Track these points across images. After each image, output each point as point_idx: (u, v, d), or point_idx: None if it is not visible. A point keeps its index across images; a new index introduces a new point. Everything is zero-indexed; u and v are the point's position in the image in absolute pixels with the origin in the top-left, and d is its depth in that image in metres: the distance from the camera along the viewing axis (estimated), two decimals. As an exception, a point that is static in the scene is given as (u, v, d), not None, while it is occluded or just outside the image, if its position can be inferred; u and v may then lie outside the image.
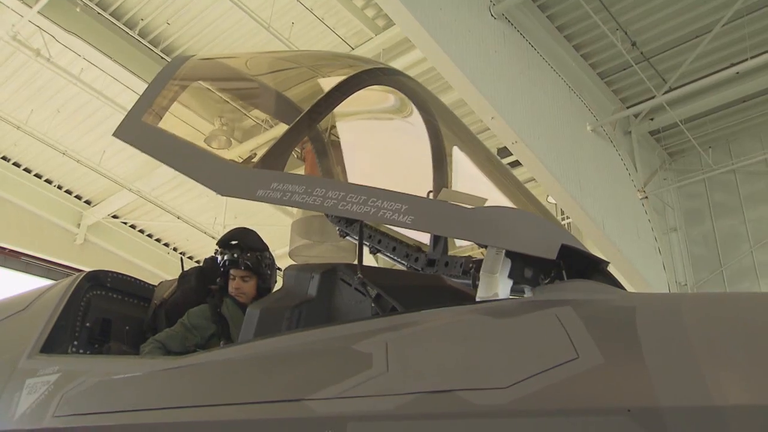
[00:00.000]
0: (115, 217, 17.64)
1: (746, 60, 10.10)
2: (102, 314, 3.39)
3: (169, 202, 16.76)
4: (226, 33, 12.30)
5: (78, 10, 11.50)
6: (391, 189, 2.15)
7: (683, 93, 11.07)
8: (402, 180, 2.80)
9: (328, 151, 3.51)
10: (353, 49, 12.04)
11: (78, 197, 17.16)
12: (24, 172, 16.22)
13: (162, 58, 12.70)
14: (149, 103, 3.04)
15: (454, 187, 3.12)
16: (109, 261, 16.59)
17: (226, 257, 3.64)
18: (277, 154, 2.68)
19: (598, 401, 1.45)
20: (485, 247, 2.03)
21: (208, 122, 13.20)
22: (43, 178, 16.56)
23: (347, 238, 2.96)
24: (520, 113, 9.48)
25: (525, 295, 1.97)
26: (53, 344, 2.99)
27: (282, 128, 3.04)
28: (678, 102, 11.65)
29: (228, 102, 4.21)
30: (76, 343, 3.18)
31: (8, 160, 15.96)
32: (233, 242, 3.68)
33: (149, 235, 18.61)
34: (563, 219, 14.92)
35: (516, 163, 13.55)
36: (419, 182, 3.23)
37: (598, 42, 11.20)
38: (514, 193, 2.80)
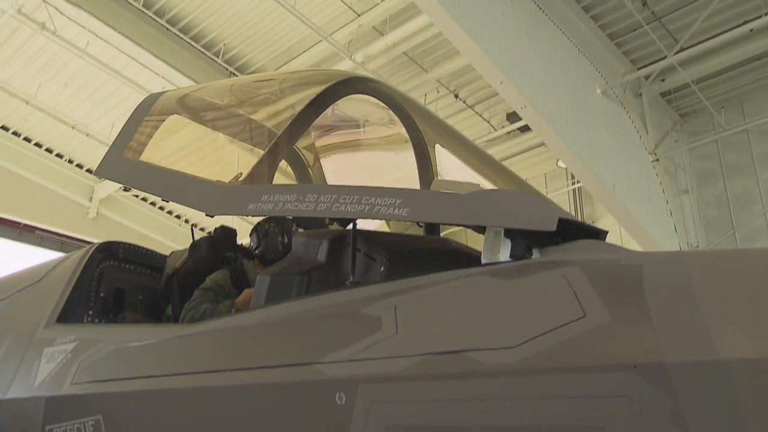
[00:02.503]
0: (126, 190, 17.73)
1: (760, 17, 9.91)
2: (115, 284, 3.44)
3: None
4: (231, 2, 12.18)
5: (81, -19, 11.44)
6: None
7: (695, 52, 10.91)
8: (389, 183, 2.82)
9: (310, 163, 3.56)
10: (359, 15, 11.91)
11: (89, 171, 17.25)
12: (35, 146, 16.32)
13: (168, 29, 12.63)
14: (128, 140, 3.10)
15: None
16: (121, 234, 16.73)
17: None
18: (262, 170, 2.73)
19: (605, 358, 1.46)
20: (482, 232, 2.04)
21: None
22: (54, 153, 16.66)
23: None
24: (529, 77, 9.38)
25: (532, 257, 1.98)
26: (69, 314, 3.04)
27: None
28: (690, 62, 11.49)
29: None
30: (91, 312, 3.24)
31: (19, 135, 16.05)
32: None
33: (160, 208, 18.72)
34: (574, 183, 14.88)
35: (525, 128, 13.49)
36: (406, 183, 3.28)
37: (607, 2, 11.03)
38: (504, 179, 2.80)
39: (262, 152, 2.86)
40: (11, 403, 2.71)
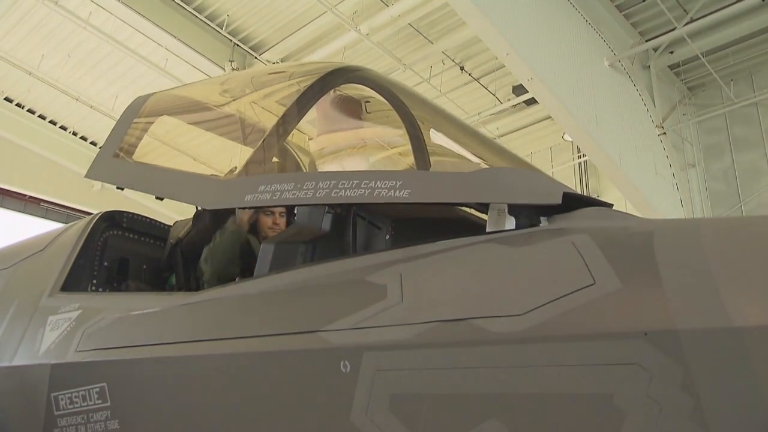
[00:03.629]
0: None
1: (773, -14, 9.75)
2: (119, 254, 3.43)
3: (183, 146, 16.74)
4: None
5: (83, -50, 11.29)
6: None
7: (705, 24, 10.73)
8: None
9: (304, 154, 3.54)
10: (364, -13, 11.76)
11: (93, 143, 17.22)
12: (39, 119, 16.28)
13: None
14: (118, 142, 3.12)
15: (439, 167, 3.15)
16: (126, 206, 16.70)
17: None
18: (257, 162, 2.72)
19: (614, 326, 1.44)
20: (485, 212, 2.01)
21: (218, 67, 13.10)
22: (58, 125, 16.62)
23: None
24: (536, 49, 9.26)
25: (540, 225, 1.95)
26: (73, 283, 3.04)
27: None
28: (699, 34, 11.32)
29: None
30: (95, 281, 3.23)
31: (23, 107, 15.99)
32: None
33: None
34: (580, 157, 14.80)
35: (531, 101, 13.38)
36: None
37: (616, -28, 10.86)
38: (504, 159, 2.78)
39: (254, 147, 2.85)
40: (17, 370, 2.72)
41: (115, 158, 3.05)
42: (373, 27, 11.78)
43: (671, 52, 12.20)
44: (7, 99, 15.76)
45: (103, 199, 17.29)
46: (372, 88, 3.25)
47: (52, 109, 16.12)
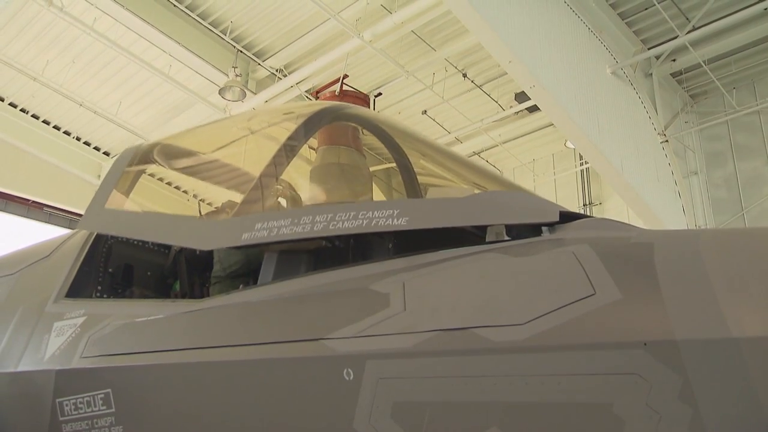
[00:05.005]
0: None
1: (775, -5, 9.76)
2: (124, 260, 3.44)
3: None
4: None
5: (88, -43, 11.33)
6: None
7: (707, 32, 10.74)
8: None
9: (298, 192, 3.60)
10: (369, -6, 11.80)
11: (96, 148, 17.27)
12: (43, 124, 16.32)
13: (175, 6, 12.53)
14: (108, 192, 3.19)
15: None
16: (129, 211, 16.74)
17: None
18: (252, 202, 2.78)
19: (614, 335, 1.46)
20: (484, 235, 2.04)
21: (222, 73, 13.14)
22: (62, 130, 16.65)
23: None
24: (539, 56, 9.29)
25: (542, 235, 1.97)
26: (78, 289, 3.06)
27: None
28: (702, 42, 11.34)
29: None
30: (100, 288, 3.25)
31: (27, 112, 16.04)
32: None
33: (168, 183, 18.71)
34: (582, 164, 14.81)
35: (534, 108, 13.40)
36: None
37: (619, -20, 10.88)
38: (496, 185, 2.80)
39: (247, 188, 2.87)
40: (22, 375, 2.74)
41: (108, 208, 3.11)
42: (376, 34, 11.80)
43: (673, 60, 12.21)
44: (11, 104, 15.81)
45: (106, 204, 17.33)
46: (359, 124, 3.32)
47: (56, 114, 16.16)
